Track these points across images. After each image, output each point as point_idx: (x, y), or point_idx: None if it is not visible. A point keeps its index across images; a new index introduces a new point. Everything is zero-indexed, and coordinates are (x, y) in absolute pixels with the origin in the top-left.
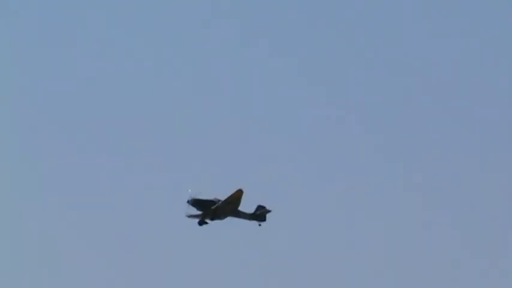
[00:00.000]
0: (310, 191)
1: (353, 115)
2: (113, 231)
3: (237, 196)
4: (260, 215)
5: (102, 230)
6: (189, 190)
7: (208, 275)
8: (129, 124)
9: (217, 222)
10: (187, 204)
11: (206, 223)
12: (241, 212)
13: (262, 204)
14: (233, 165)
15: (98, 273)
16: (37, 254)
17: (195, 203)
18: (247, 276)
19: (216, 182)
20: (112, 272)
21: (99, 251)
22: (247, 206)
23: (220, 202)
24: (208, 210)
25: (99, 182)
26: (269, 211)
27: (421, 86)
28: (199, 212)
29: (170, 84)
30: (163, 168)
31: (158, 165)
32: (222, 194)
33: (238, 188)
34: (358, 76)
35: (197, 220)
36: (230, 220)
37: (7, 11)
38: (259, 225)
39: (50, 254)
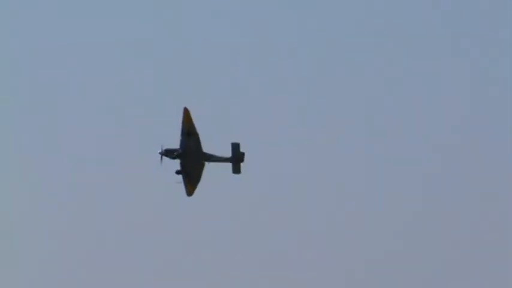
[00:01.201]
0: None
1: None
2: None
3: (186, 117)
4: (234, 154)
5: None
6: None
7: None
8: None
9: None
10: (159, 155)
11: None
12: (214, 156)
13: (235, 141)
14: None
15: None
16: None
17: (167, 152)
18: None
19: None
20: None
21: None
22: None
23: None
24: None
25: None
26: (238, 144)
27: None
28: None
29: None
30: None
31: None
32: None
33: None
34: None
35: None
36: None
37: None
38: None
39: None
